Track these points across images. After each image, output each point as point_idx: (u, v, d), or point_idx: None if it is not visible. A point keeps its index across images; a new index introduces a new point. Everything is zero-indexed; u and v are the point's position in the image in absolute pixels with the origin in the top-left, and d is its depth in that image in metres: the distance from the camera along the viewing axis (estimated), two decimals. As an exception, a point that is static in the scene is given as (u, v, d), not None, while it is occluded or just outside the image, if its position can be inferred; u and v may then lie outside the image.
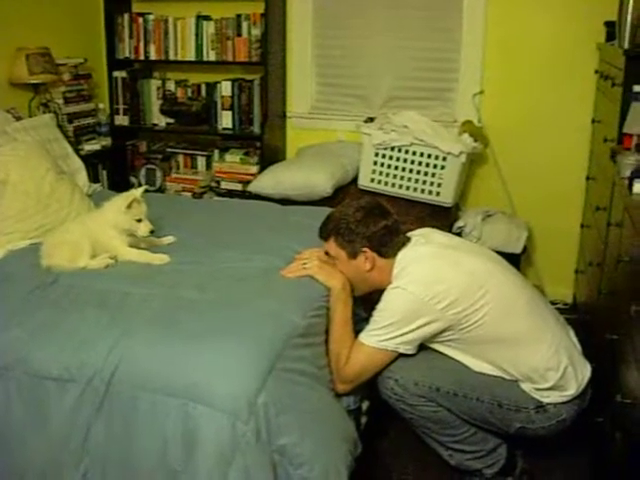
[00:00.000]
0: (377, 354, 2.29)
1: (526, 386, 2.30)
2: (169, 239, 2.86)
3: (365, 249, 2.35)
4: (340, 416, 2.20)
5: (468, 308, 2.23)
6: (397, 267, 2.34)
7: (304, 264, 2.46)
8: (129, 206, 2.64)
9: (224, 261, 2.64)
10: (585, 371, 2.35)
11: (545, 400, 2.29)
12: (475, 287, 2.25)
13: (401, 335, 2.25)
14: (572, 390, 2.29)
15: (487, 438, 2.43)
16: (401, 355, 2.36)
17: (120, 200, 2.68)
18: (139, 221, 2.68)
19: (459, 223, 3.90)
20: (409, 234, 2.46)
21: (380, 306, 2.29)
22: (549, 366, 2.27)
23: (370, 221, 2.36)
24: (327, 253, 2.46)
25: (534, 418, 2.30)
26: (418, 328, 2.24)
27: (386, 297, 2.29)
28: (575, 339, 2.46)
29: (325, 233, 2.43)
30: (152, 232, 2.71)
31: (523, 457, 2.54)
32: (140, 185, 4.49)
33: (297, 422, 1.96)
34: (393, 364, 2.36)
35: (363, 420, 2.55)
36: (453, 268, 2.29)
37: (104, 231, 2.67)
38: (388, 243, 2.36)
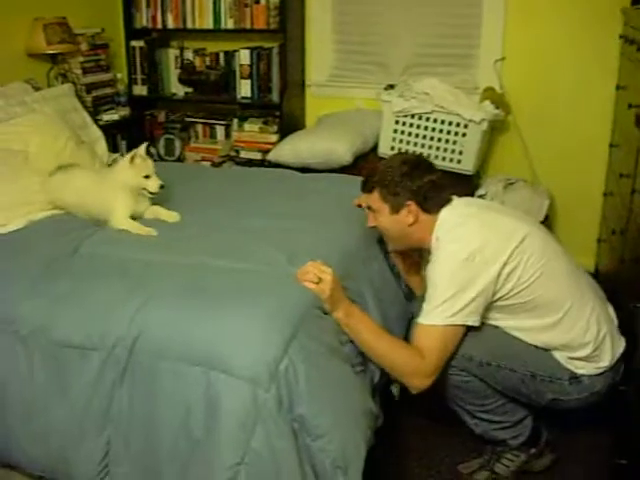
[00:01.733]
0: (448, 332, 2.18)
1: (561, 355, 2.27)
2: (174, 216, 2.77)
3: (409, 202, 2.31)
4: (361, 390, 2.17)
5: (519, 269, 2.18)
6: (440, 228, 2.29)
7: (319, 281, 2.16)
8: (132, 161, 2.66)
9: (245, 229, 2.63)
10: (620, 344, 2.33)
11: (579, 371, 2.27)
12: (522, 249, 2.20)
13: (465, 306, 2.16)
14: (606, 362, 2.27)
15: (515, 409, 2.41)
16: None
17: (123, 158, 2.72)
18: (147, 177, 2.68)
19: (480, 191, 3.86)
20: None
21: (433, 280, 2.21)
22: (587, 335, 2.24)
23: (416, 175, 2.32)
24: (369, 207, 2.43)
25: (568, 389, 2.28)
26: (478, 295, 2.16)
27: (437, 269, 2.22)
28: (613, 313, 2.43)
29: (369, 185, 2.40)
30: (162, 187, 2.72)
31: (547, 428, 2.53)
32: (159, 155, 4.50)
33: (317, 392, 1.94)
34: None
35: (395, 391, 2.54)
36: (499, 229, 2.25)
37: (111, 193, 2.69)
38: (433, 198, 2.32)
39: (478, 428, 2.45)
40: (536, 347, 2.29)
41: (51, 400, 2.07)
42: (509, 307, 2.24)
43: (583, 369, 2.27)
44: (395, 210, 2.34)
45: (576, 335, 2.25)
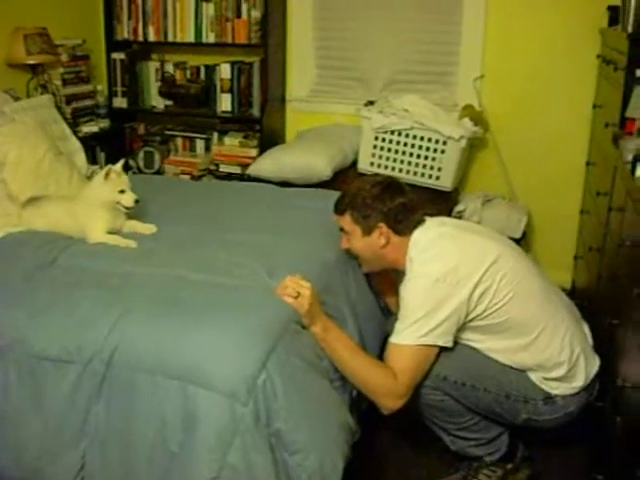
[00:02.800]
0: (420, 352, 2.18)
1: (535, 376, 2.28)
2: (150, 228, 2.79)
3: (381, 224, 2.32)
4: (338, 404, 2.17)
5: (491, 290, 2.19)
6: (413, 249, 2.30)
7: (297, 295, 2.18)
8: (106, 176, 2.66)
9: (224, 242, 2.63)
10: (594, 364, 2.35)
11: (554, 392, 2.28)
12: (495, 269, 2.21)
13: (437, 326, 2.16)
14: (580, 382, 2.29)
15: (490, 426, 2.41)
16: None
17: (98, 174, 2.72)
18: (122, 192, 2.68)
19: (459, 207, 3.89)
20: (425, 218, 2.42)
21: (406, 300, 2.22)
22: (562, 355, 2.26)
23: (387, 197, 2.33)
24: (342, 229, 2.44)
25: (542, 410, 2.29)
26: (450, 316, 2.16)
27: (410, 289, 2.22)
28: (588, 332, 2.45)
29: (341, 208, 2.40)
30: (137, 202, 2.71)
31: (523, 443, 2.53)
32: (139, 168, 4.49)
33: (295, 407, 1.94)
34: None
35: (363, 406, 2.54)
36: (471, 250, 2.26)
37: (87, 212, 2.70)
38: (404, 220, 2.33)
39: (454, 445, 2.45)
40: (511, 367, 2.30)
41: (26, 413, 2.05)
42: (483, 328, 2.25)
43: (557, 389, 2.28)
44: (367, 232, 2.36)
45: (550, 355, 2.26)
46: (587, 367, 2.31)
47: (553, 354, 2.26)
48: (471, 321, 2.23)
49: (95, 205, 2.69)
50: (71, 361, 2.01)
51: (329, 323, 2.21)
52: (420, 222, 2.36)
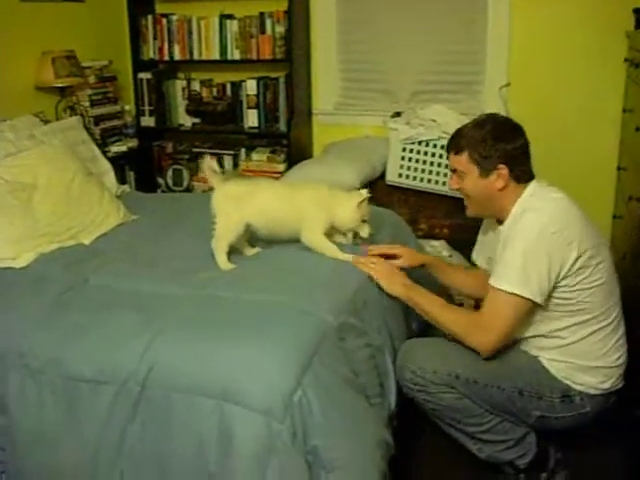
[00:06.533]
0: (515, 300, 2.14)
1: (566, 367, 2.25)
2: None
3: (501, 166, 2.24)
4: (375, 420, 2.15)
5: (590, 267, 2.16)
6: (530, 199, 2.23)
7: (373, 263, 2.46)
8: (360, 204, 2.56)
9: (254, 259, 2.62)
10: (622, 377, 2.32)
11: (576, 387, 2.25)
12: (599, 251, 2.19)
13: (538, 279, 2.11)
14: (606, 385, 2.26)
15: (514, 427, 2.36)
16: (418, 344, 2.40)
17: (351, 199, 2.57)
18: (364, 222, 2.61)
19: (489, 216, 3.85)
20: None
21: (516, 247, 2.14)
22: (610, 354, 2.25)
23: (509, 137, 2.25)
24: (453, 170, 2.37)
25: (557, 407, 2.26)
26: (551, 270, 2.11)
27: (521, 233, 2.15)
28: None
29: (458, 146, 2.31)
30: (371, 234, 2.65)
31: (558, 450, 2.48)
32: (167, 186, 4.51)
33: (331, 424, 1.92)
34: (410, 354, 2.35)
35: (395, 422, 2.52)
36: (587, 222, 2.22)
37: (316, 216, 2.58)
38: (523, 165, 2.26)
39: (482, 453, 2.40)
40: (528, 362, 2.28)
41: (62, 434, 2.06)
42: (562, 304, 2.21)
43: (582, 386, 2.25)
44: (484, 173, 2.27)
45: (602, 347, 2.24)
46: (619, 376, 2.29)
47: (605, 349, 2.24)
48: (557, 289, 2.17)
49: (338, 227, 2.61)
50: (106, 382, 2.01)
51: (410, 284, 2.40)
52: (533, 176, 2.29)
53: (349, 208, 2.55)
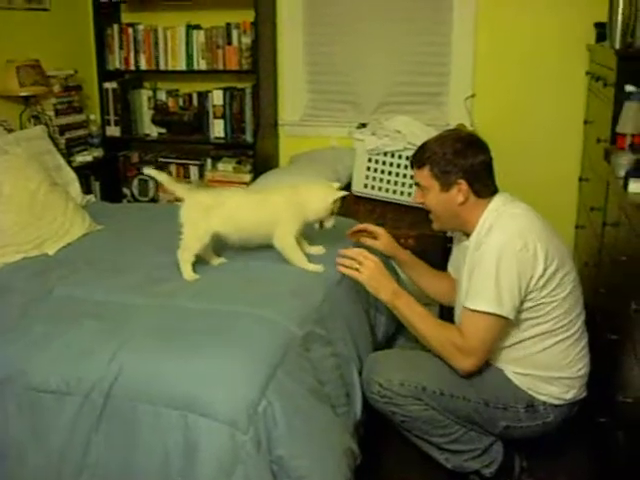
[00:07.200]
0: (491, 320, 2.17)
1: (530, 379, 2.28)
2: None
3: (460, 181, 2.27)
4: (340, 430, 2.16)
5: (556, 279, 2.19)
6: (493, 214, 2.26)
7: (359, 265, 2.36)
8: (334, 203, 2.57)
9: (220, 269, 2.62)
10: (585, 388, 2.36)
11: (540, 398, 2.28)
12: (566, 262, 2.23)
13: (509, 296, 2.14)
14: (569, 396, 2.30)
15: (480, 436, 2.40)
16: (384, 357, 2.42)
17: (327, 196, 2.57)
18: (332, 214, 2.61)
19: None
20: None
21: (486, 269, 2.17)
22: (573, 364, 2.29)
23: (469, 153, 2.27)
24: (417, 184, 2.40)
25: (522, 417, 2.30)
26: (521, 286, 2.15)
27: (488, 254, 2.17)
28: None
29: (420, 162, 2.34)
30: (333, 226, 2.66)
31: (523, 458, 2.51)
32: (133, 196, 4.49)
33: (296, 433, 1.93)
34: (377, 367, 2.37)
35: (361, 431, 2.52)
36: (552, 235, 2.25)
37: (287, 211, 2.57)
38: (483, 180, 2.29)
39: (449, 463, 2.42)
40: (492, 374, 2.31)
41: (27, 446, 2.03)
42: (528, 317, 2.24)
43: (545, 396, 2.28)
44: (445, 188, 2.30)
45: (565, 358, 2.28)
46: (582, 386, 2.33)
47: (568, 359, 2.28)
48: (526, 301, 2.21)
49: (311, 212, 2.59)
50: (70, 393, 1.99)
51: (398, 291, 2.34)
52: (495, 191, 2.33)
53: (323, 203, 2.57)
